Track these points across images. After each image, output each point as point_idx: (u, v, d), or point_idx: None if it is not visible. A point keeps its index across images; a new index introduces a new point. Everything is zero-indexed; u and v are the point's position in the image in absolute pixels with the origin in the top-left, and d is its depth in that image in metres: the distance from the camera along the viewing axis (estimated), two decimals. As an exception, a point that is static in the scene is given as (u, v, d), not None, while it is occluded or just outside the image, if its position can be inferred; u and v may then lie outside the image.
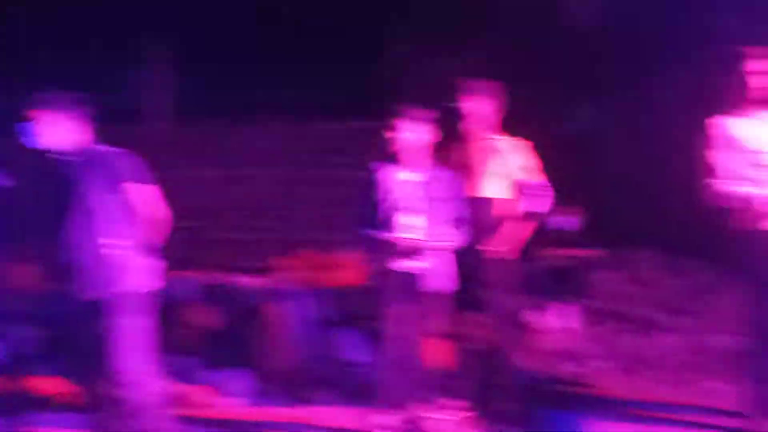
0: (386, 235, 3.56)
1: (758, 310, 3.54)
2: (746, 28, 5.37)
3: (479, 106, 3.85)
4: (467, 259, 3.73)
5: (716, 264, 5.61)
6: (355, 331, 4.78)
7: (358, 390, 4.20)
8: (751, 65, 3.40)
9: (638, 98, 6.37)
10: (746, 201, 3.40)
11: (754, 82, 3.41)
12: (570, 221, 5.30)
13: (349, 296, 5.00)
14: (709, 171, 3.45)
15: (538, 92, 6.34)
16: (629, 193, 6.15)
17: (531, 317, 5.10)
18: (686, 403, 4.19)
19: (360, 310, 4.67)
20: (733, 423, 3.74)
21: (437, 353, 3.76)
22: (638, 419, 4.00)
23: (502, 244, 3.80)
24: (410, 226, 3.56)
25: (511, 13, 6.10)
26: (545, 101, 6.35)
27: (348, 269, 5.27)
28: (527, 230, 3.83)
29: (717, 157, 3.45)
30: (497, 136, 3.90)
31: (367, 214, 3.60)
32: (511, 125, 4.12)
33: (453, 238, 3.61)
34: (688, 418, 3.97)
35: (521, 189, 3.86)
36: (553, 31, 6.26)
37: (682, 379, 4.65)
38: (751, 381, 3.65)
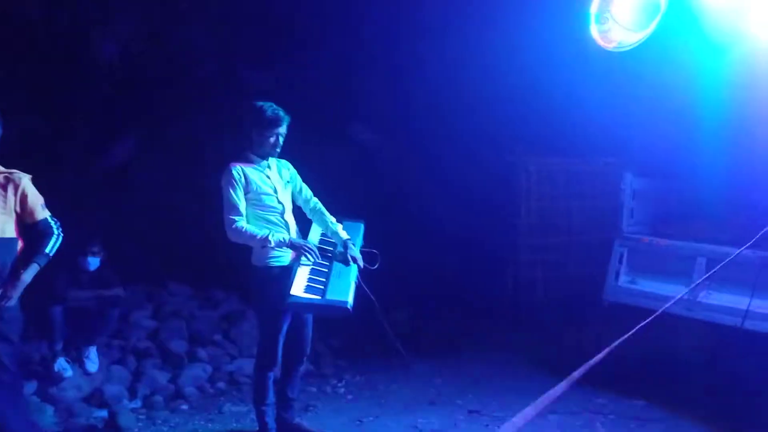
0: None
1: (262, 337, 4.00)
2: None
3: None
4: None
5: (242, 294, 6.13)
6: None
7: None
8: (276, 123, 3.83)
9: (175, 135, 6.55)
10: (256, 240, 3.76)
11: (266, 136, 3.85)
12: (93, 260, 5.10)
13: None
14: (228, 210, 3.76)
15: (70, 126, 6.04)
16: (158, 228, 6.27)
17: (53, 364, 4.77)
18: None
19: None
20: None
21: None
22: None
23: (12, 290, 3.44)
24: None
25: (41, 46, 5.68)
26: (79, 135, 6.08)
27: None
28: (35, 272, 3.53)
29: (234, 198, 3.77)
30: (2, 170, 3.54)
31: None
32: (33, 159, 3.82)
33: None
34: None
35: (29, 227, 3.56)
36: (86, 65, 6.05)
37: (214, 405, 4.89)
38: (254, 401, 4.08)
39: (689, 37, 4.51)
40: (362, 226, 4.32)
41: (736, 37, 4.36)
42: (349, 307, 3.65)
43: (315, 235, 4.11)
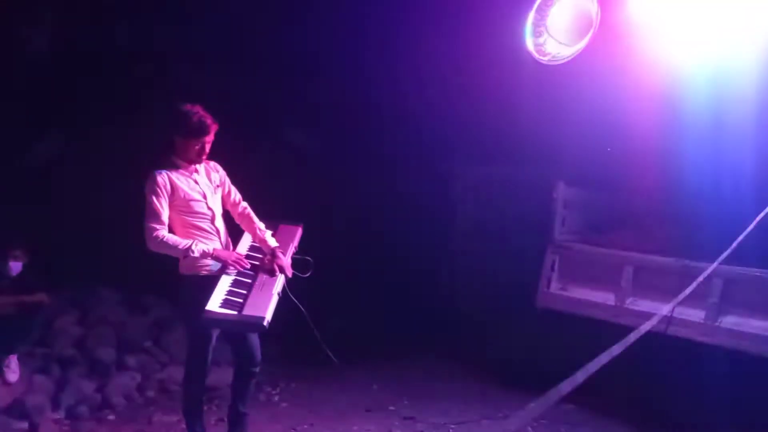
0: None
1: (191, 348, 3.84)
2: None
3: None
4: None
5: (173, 300, 5.96)
6: None
7: None
8: (201, 132, 3.58)
9: (106, 135, 6.32)
10: (178, 250, 3.55)
11: (190, 144, 3.61)
12: (15, 264, 4.87)
13: None
14: (149, 218, 3.53)
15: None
16: (86, 231, 6.02)
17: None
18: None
19: None
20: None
21: None
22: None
23: None
24: None
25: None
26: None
27: None
28: None
29: (156, 206, 3.54)
30: None
31: None
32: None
33: None
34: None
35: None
36: (7, 57, 5.78)
37: (143, 414, 4.75)
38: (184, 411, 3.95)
39: (621, 53, 4.67)
40: (299, 231, 4.15)
41: (663, 53, 4.55)
42: (265, 323, 3.43)
43: (245, 243, 3.95)
